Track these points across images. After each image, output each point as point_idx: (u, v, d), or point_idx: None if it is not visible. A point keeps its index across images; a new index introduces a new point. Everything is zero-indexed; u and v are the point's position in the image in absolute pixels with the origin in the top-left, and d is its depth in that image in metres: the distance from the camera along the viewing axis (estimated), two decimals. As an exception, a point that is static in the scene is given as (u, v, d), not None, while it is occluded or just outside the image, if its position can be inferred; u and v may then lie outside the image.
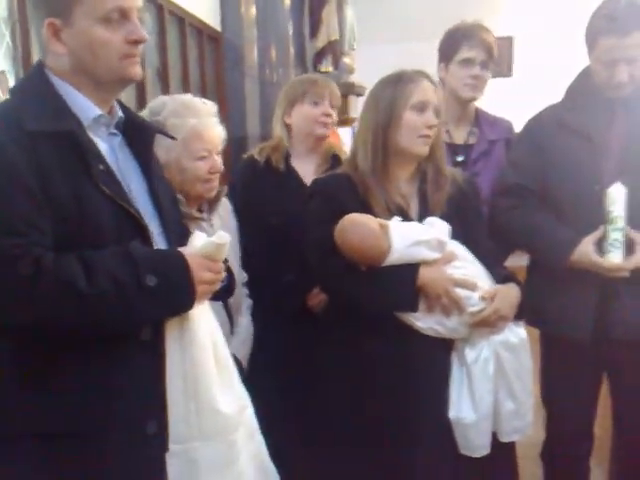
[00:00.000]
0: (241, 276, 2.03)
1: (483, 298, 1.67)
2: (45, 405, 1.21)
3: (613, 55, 1.87)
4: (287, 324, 2.08)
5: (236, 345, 1.91)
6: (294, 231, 1.97)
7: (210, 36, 4.25)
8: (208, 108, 1.80)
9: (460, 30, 2.24)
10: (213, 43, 4.31)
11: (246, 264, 2.06)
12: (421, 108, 1.72)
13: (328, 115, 2.20)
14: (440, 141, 1.80)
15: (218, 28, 4.29)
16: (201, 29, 4.11)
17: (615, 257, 1.87)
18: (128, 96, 3.00)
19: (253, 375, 1.88)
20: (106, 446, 1.23)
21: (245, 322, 2.00)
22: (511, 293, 1.71)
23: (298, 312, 2.07)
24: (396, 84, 1.74)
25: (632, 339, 1.91)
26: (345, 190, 1.76)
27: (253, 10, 4.40)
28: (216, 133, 1.80)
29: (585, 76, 2.03)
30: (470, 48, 2.19)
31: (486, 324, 1.67)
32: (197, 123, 1.74)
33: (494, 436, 1.72)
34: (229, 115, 4.22)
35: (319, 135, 2.22)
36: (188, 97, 1.84)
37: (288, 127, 2.23)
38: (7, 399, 1.22)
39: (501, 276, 1.75)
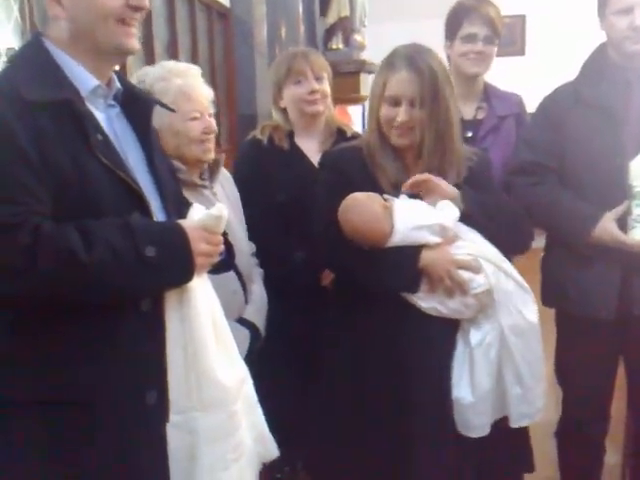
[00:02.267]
0: (249, 247, 2.02)
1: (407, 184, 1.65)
2: (44, 374, 1.21)
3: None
4: (296, 301, 2.07)
5: (252, 313, 1.92)
6: (302, 208, 1.97)
7: (219, 12, 4.21)
8: (193, 71, 1.80)
9: (463, 6, 2.22)
10: (222, 20, 4.27)
11: (253, 240, 2.05)
12: (393, 103, 1.70)
13: (313, 92, 2.14)
14: (430, 132, 1.70)
15: (227, 4, 4.25)
16: (210, 5, 4.07)
17: (639, 234, 1.85)
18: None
19: (277, 344, 1.91)
20: (106, 415, 1.23)
21: (258, 290, 2.01)
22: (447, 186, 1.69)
23: (310, 290, 2.06)
24: (380, 71, 1.72)
25: None
26: (354, 163, 1.76)
27: (263, -14, 4.35)
28: (204, 93, 1.80)
29: (600, 52, 2.03)
30: (472, 24, 2.17)
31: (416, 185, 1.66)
32: (183, 84, 1.74)
33: (505, 419, 1.71)
34: (238, 92, 4.20)
35: (310, 113, 2.16)
36: (171, 62, 1.85)
37: (283, 111, 2.20)
38: (6, 367, 1.23)
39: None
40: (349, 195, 1.68)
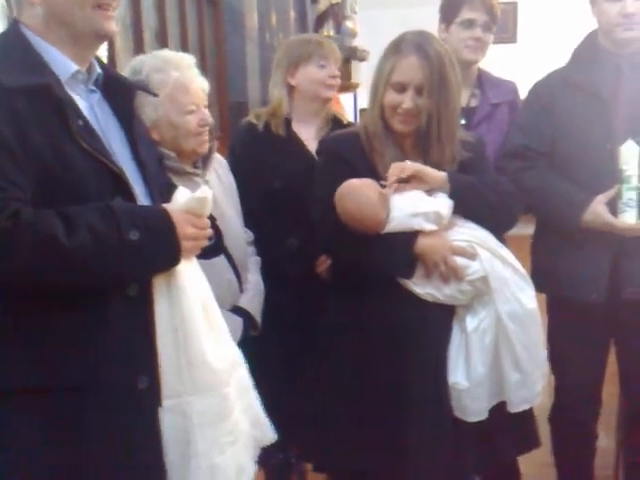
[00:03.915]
0: (246, 235, 2.02)
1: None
2: (34, 361, 1.21)
3: None
4: (291, 288, 2.07)
5: (246, 301, 1.92)
6: (297, 195, 1.97)
7: (209, 0, 4.18)
8: (188, 61, 1.79)
9: None
10: (212, 7, 4.24)
11: (250, 226, 2.05)
12: (399, 89, 1.68)
13: (335, 77, 2.19)
14: (442, 116, 1.68)
15: (217, -9, 4.21)
16: (200, -8, 4.04)
17: (630, 217, 1.86)
18: (128, 60, 2.95)
19: (273, 331, 1.91)
20: (98, 401, 1.23)
21: (254, 278, 2.00)
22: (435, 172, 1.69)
23: (304, 277, 2.06)
24: (386, 56, 1.71)
25: None
26: (352, 149, 1.75)
27: (253, -27, 4.31)
28: (200, 85, 1.79)
29: (591, 38, 2.04)
30: (471, 9, 2.15)
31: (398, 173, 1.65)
32: (180, 76, 1.73)
33: (505, 405, 1.71)
34: (229, 80, 4.17)
35: (325, 97, 2.19)
36: (167, 52, 1.83)
37: (291, 88, 2.19)
38: None
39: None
40: (345, 182, 1.67)
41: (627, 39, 1.92)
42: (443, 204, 1.69)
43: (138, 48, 3.14)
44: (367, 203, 1.65)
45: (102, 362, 1.23)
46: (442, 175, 1.70)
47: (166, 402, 1.29)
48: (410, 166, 1.68)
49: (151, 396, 1.28)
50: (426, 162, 1.72)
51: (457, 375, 1.68)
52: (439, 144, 1.71)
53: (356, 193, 1.66)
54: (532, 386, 1.72)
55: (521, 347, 1.68)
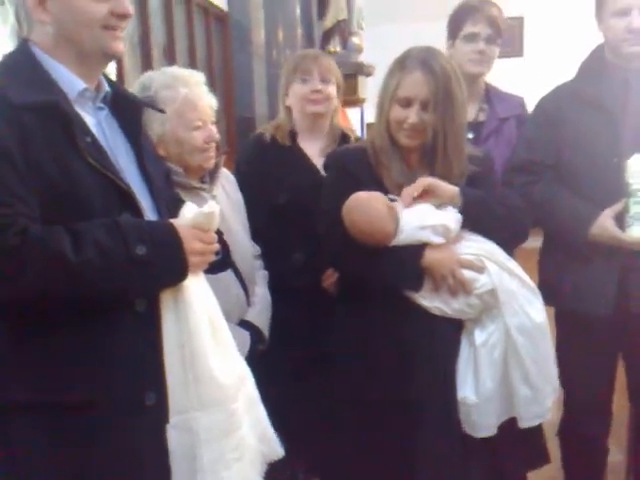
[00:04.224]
0: (253, 249, 2.02)
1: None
2: (42, 376, 1.21)
3: (626, 1, 1.89)
4: (298, 302, 2.05)
5: (254, 315, 1.92)
6: (303, 209, 1.96)
7: (217, 16, 4.22)
8: (197, 78, 1.80)
9: (465, 6, 2.21)
10: (220, 23, 4.28)
11: (256, 240, 2.04)
12: (405, 104, 1.69)
13: (317, 91, 2.13)
14: (448, 130, 1.69)
15: (225, 8, 4.25)
16: (207, 9, 4.08)
17: (637, 231, 1.85)
18: (136, 77, 2.98)
19: (280, 344, 1.90)
20: (105, 417, 1.23)
21: (262, 292, 2.00)
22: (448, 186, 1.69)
23: (310, 291, 2.05)
24: (392, 72, 1.72)
25: None
26: (359, 163, 1.76)
27: (260, -10, 4.36)
28: (208, 102, 1.80)
29: (598, 53, 2.04)
30: (474, 23, 2.17)
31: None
32: (189, 92, 1.74)
33: (513, 420, 1.70)
34: (237, 96, 4.20)
35: (312, 113, 2.15)
36: (176, 68, 1.84)
37: (288, 109, 2.20)
38: (5, 370, 1.22)
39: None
40: (353, 194, 1.68)
41: (633, 54, 1.93)
42: (451, 217, 1.69)
43: (146, 65, 3.17)
44: (375, 215, 1.65)
45: (110, 379, 1.23)
46: (454, 189, 1.70)
47: (173, 418, 1.29)
48: (423, 180, 1.68)
49: (158, 412, 1.28)
50: (433, 176, 1.73)
51: (466, 390, 1.67)
52: (445, 159, 1.72)
53: (364, 205, 1.67)
54: (543, 401, 1.71)
55: (530, 361, 1.66)
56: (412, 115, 1.68)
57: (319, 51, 2.30)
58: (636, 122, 1.91)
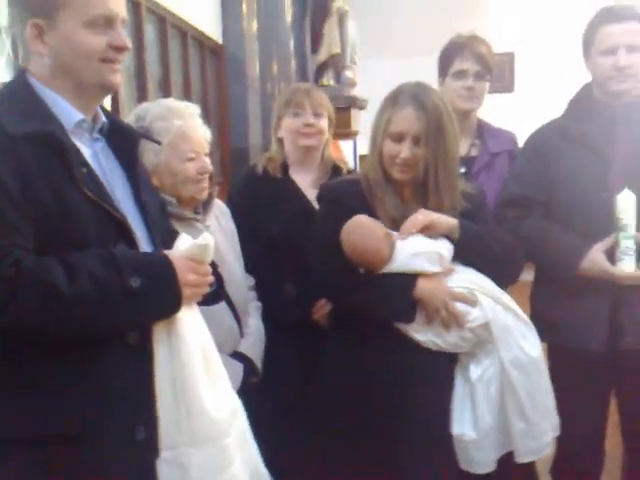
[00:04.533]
0: (247, 280, 2.02)
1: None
2: (31, 411, 1.20)
3: (613, 40, 1.94)
4: (289, 334, 2.05)
5: (247, 346, 1.91)
6: (294, 241, 1.97)
7: (212, 49, 4.27)
8: (192, 110, 1.82)
9: (453, 43, 2.26)
10: (215, 56, 4.33)
11: (248, 272, 2.05)
12: (397, 139, 1.71)
13: (309, 125, 2.15)
14: (439, 165, 1.71)
15: (220, 41, 4.31)
16: (203, 41, 4.13)
17: (628, 265, 1.86)
18: (130, 108, 3.00)
19: (267, 378, 1.89)
20: (94, 451, 1.21)
21: (255, 324, 1.99)
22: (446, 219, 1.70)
23: (302, 324, 2.04)
24: (383, 107, 1.74)
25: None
26: (353, 195, 1.77)
27: (254, 24, 4.42)
28: (202, 134, 1.82)
29: (585, 90, 2.08)
30: (463, 60, 2.21)
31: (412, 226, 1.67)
32: (183, 124, 1.76)
33: (511, 455, 1.69)
34: (231, 127, 4.24)
35: (304, 146, 2.17)
36: (171, 100, 1.87)
37: (280, 141, 2.22)
38: None
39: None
40: (354, 216, 1.69)
41: (620, 91, 1.96)
42: (444, 247, 1.70)
43: (142, 97, 3.20)
44: (372, 237, 1.66)
45: (100, 413, 1.22)
46: (453, 221, 1.71)
47: (164, 453, 1.27)
48: (422, 217, 1.69)
49: (149, 447, 1.26)
50: (424, 201, 1.74)
51: (464, 426, 1.65)
52: (437, 193, 1.73)
53: (363, 227, 1.68)
54: (540, 436, 1.69)
55: (525, 395, 1.66)
56: (404, 150, 1.70)
57: (311, 85, 2.33)
58: (624, 158, 1.93)
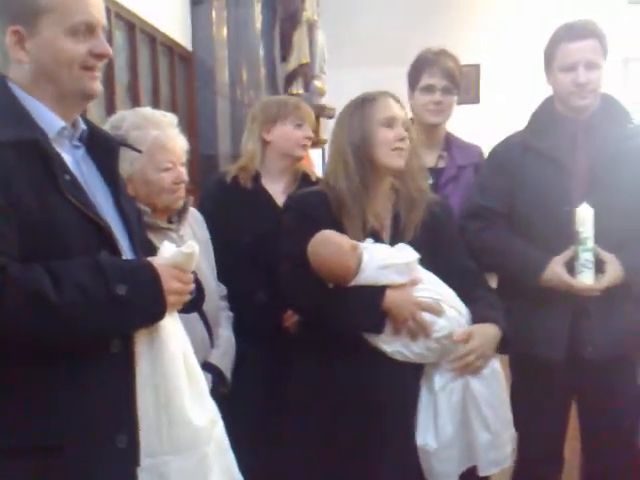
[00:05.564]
0: (219, 289, 2.02)
1: (457, 341, 1.67)
2: (12, 420, 1.19)
3: (573, 58, 1.99)
4: (263, 343, 2.06)
5: (217, 357, 1.91)
6: (265, 250, 1.99)
7: (181, 55, 4.26)
8: (169, 119, 1.83)
9: (422, 58, 2.31)
10: (184, 62, 4.32)
11: (220, 280, 2.05)
12: (389, 124, 1.76)
13: (309, 138, 2.25)
14: (415, 156, 1.84)
15: (189, 47, 4.30)
16: (172, 48, 4.12)
17: (586, 277, 1.91)
18: (99, 114, 2.98)
19: (237, 388, 1.90)
20: (76, 460, 1.20)
21: (226, 334, 1.99)
22: (488, 332, 1.71)
23: (274, 332, 2.05)
24: (362, 105, 1.79)
25: (600, 359, 1.94)
26: (320, 207, 1.79)
27: (224, 31, 4.42)
28: (179, 144, 1.82)
29: (548, 103, 2.12)
30: (431, 75, 2.26)
31: (465, 365, 1.68)
32: (159, 134, 1.76)
33: (474, 470, 1.71)
34: (200, 133, 4.22)
35: (298, 156, 2.25)
36: (148, 110, 1.86)
37: (265, 143, 2.24)
38: None
39: (479, 313, 1.75)
40: (320, 231, 1.70)
41: (581, 107, 2.02)
42: (410, 256, 1.72)
43: (110, 102, 3.17)
44: (339, 252, 1.67)
45: (81, 421, 1.21)
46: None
47: (144, 461, 1.27)
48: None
49: (129, 455, 1.26)
50: (396, 213, 1.79)
51: (427, 436, 1.67)
52: (412, 189, 1.80)
53: (329, 242, 1.69)
54: (502, 447, 1.72)
55: (488, 407, 1.69)
56: (401, 130, 1.77)
57: (306, 104, 2.40)
58: (585, 171, 1.98)
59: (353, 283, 1.69)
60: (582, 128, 2.02)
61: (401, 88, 2.31)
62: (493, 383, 1.71)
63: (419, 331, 1.67)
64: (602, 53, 2.02)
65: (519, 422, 2.08)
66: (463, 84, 2.37)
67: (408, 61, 2.36)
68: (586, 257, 1.90)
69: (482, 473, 1.72)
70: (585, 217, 1.90)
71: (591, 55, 1.99)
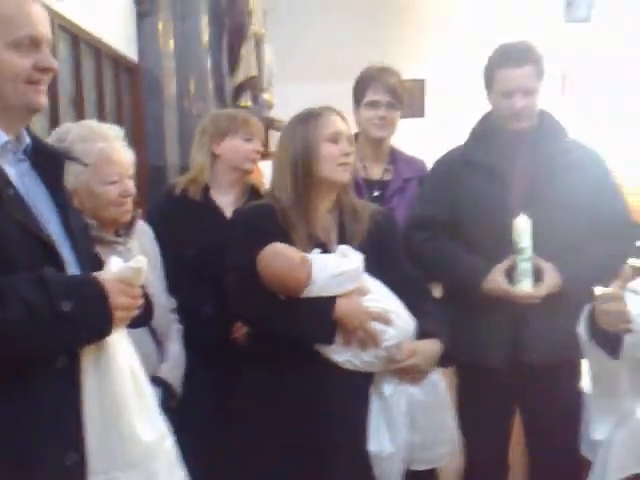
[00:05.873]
0: (169, 302, 2.01)
1: (402, 353, 1.71)
2: None
3: (510, 85, 2.03)
4: (211, 355, 2.05)
5: (166, 371, 1.89)
6: (211, 263, 1.98)
7: (127, 67, 4.22)
8: (115, 132, 1.82)
9: (366, 75, 2.37)
10: (130, 74, 4.27)
11: (171, 292, 2.04)
12: (334, 139, 1.79)
13: (259, 152, 2.27)
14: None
15: (135, 59, 4.26)
16: (118, 59, 4.07)
17: (525, 286, 1.97)
18: (42, 125, 2.92)
19: (186, 400, 1.89)
20: (24, 478, 1.18)
21: (176, 348, 1.98)
22: (432, 349, 1.77)
23: (221, 344, 2.05)
24: (307, 120, 1.81)
25: (541, 365, 2.00)
26: (267, 220, 1.80)
27: (171, 43, 4.40)
28: (125, 156, 1.81)
29: (487, 119, 2.19)
30: (375, 91, 2.32)
31: (405, 374, 1.73)
32: (105, 146, 1.75)
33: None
34: (148, 145, 4.18)
35: (247, 170, 2.26)
36: (94, 122, 1.85)
37: (214, 156, 2.24)
38: None
39: (423, 328, 1.78)
40: (269, 244, 1.71)
41: (517, 130, 2.07)
42: (358, 260, 1.73)
43: (53, 114, 3.11)
44: (288, 264, 1.68)
45: (27, 439, 1.19)
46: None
47: (98, 477, 1.25)
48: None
49: (78, 472, 1.24)
50: (341, 223, 1.82)
51: (381, 443, 1.70)
52: (353, 203, 1.82)
53: (279, 255, 1.70)
54: (433, 448, 1.77)
55: (420, 409, 1.73)
56: (346, 145, 1.80)
57: (256, 119, 2.41)
58: (524, 184, 2.05)
59: (305, 294, 1.69)
60: (521, 139, 2.08)
61: (343, 102, 2.35)
62: (430, 391, 1.76)
63: (369, 340, 1.69)
64: (539, 77, 2.07)
65: (465, 428, 2.13)
66: (408, 98, 2.44)
67: (355, 76, 2.42)
68: (524, 266, 1.96)
69: (412, 467, 1.76)
70: (523, 228, 1.95)
71: (527, 82, 2.03)
